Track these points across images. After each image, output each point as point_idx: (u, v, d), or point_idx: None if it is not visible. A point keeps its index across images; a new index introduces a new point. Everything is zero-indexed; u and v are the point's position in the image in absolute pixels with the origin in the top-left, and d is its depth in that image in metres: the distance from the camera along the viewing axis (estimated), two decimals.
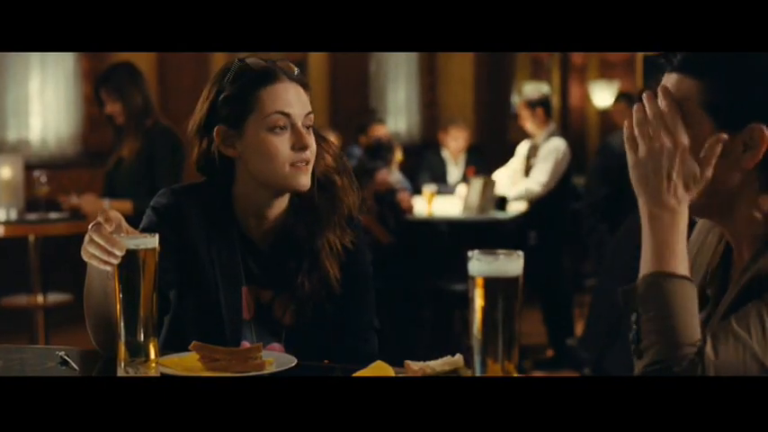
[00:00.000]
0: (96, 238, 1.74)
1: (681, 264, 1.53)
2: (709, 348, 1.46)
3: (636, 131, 1.57)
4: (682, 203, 1.55)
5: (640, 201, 1.55)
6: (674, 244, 1.53)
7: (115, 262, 1.74)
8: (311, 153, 2.08)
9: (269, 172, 2.07)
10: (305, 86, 2.11)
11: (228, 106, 2.07)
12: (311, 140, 2.08)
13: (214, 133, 2.08)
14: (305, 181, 2.08)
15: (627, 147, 1.57)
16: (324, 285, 2.11)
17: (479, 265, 1.39)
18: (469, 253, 1.40)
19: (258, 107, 2.05)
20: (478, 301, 1.37)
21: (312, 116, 2.10)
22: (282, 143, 2.05)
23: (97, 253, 1.75)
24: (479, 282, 1.38)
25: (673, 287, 1.51)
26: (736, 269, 1.69)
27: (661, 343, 1.47)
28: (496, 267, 1.39)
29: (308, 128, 2.08)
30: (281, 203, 2.13)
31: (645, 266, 1.54)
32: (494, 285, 1.38)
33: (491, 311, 1.38)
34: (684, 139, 1.54)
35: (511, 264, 1.40)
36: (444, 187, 7.27)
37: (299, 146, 2.06)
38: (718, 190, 1.60)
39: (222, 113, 2.07)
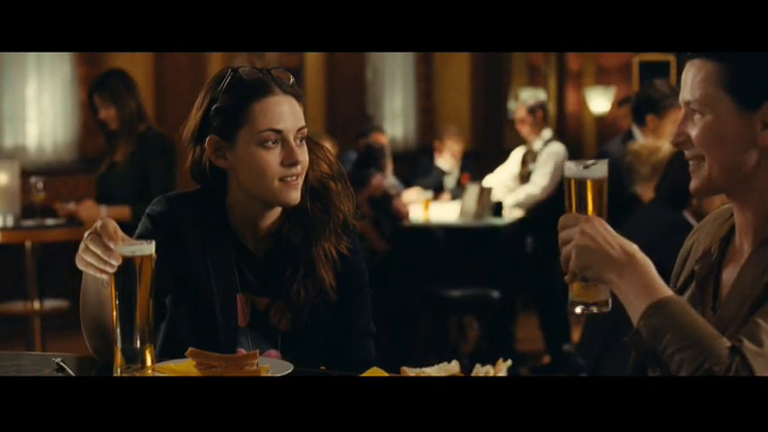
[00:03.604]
0: (93, 247, 1.75)
1: (663, 289, 1.56)
2: (747, 343, 1.49)
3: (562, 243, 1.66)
4: (628, 250, 1.58)
5: (605, 279, 1.59)
6: (649, 280, 1.57)
7: (111, 271, 1.74)
8: (302, 167, 2.07)
9: (258, 186, 2.07)
10: (298, 98, 2.09)
11: (220, 117, 2.06)
12: (303, 154, 2.07)
13: (206, 143, 2.08)
14: (294, 196, 2.07)
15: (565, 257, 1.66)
16: (319, 293, 2.11)
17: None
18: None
19: (250, 121, 2.04)
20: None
21: (305, 130, 2.09)
22: (273, 158, 2.05)
23: (93, 262, 1.75)
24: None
25: (669, 308, 1.54)
26: (733, 249, 1.72)
27: (687, 355, 1.50)
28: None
29: (300, 141, 2.08)
30: (274, 213, 2.13)
31: (636, 312, 1.56)
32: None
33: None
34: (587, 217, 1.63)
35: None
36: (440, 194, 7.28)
37: (290, 161, 2.05)
38: (734, 168, 1.65)
39: (214, 124, 2.07)
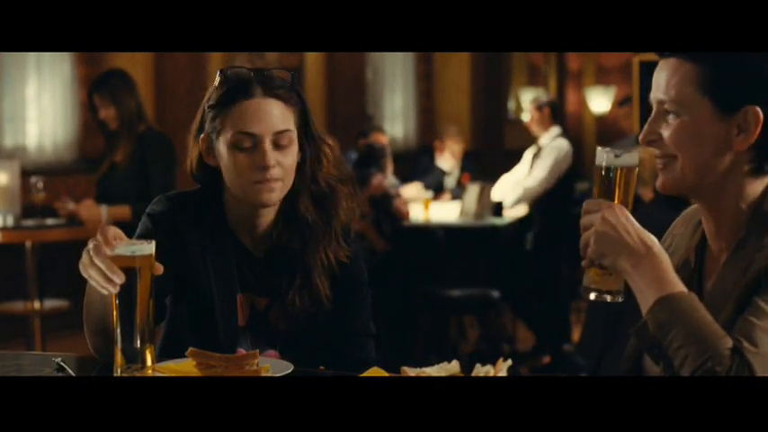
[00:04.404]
0: (98, 262, 1.74)
1: (676, 284, 1.57)
2: (746, 344, 1.50)
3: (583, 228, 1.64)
4: (647, 241, 1.59)
5: (620, 267, 1.59)
6: (662, 272, 1.57)
7: (114, 290, 1.73)
8: (279, 171, 2.05)
9: (235, 187, 2.08)
10: (286, 100, 2.07)
11: (209, 117, 2.08)
12: (281, 158, 2.05)
13: (200, 141, 2.10)
14: (267, 197, 2.06)
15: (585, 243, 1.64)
16: (314, 303, 2.10)
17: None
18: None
19: (229, 123, 2.05)
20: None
21: (289, 133, 2.06)
22: (246, 161, 2.04)
23: (97, 278, 1.74)
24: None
25: (678, 303, 1.54)
26: (711, 259, 1.72)
27: (691, 351, 1.51)
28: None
29: (280, 146, 2.05)
30: (268, 213, 2.12)
31: (645, 304, 1.57)
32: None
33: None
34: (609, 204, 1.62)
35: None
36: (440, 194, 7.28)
37: (261, 165, 2.03)
38: (707, 171, 1.65)
39: (206, 123, 2.09)
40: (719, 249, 1.71)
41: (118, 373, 1.75)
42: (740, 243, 1.65)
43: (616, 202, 1.64)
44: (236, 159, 2.05)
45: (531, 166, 6.51)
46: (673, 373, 1.52)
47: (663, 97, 1.66)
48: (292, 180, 2.10)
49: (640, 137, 1.70)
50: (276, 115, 2.06)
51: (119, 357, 1.75)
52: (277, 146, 2.05)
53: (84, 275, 1.79)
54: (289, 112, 2.08)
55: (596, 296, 1.65)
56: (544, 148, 6.43)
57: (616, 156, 1.64)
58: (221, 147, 2.07)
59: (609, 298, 1.64)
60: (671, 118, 1.65)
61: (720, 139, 1.63)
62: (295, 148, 2.09)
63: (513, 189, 6.49)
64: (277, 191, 2.07)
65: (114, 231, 1.78)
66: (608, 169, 1.65)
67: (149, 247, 1.76)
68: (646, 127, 1.69)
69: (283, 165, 2.06)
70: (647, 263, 1.57)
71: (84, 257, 1.77)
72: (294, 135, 2.08)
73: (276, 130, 2.05)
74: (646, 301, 1.57)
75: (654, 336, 1.54)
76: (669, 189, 1.70)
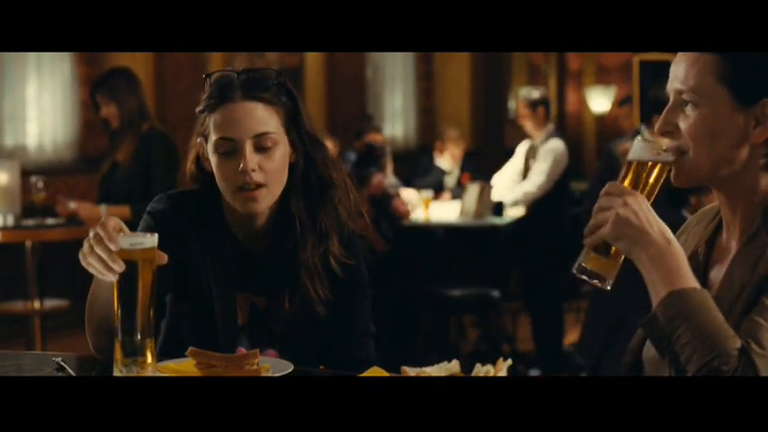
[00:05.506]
0: (99, 251, 1.74)
1: (689, 279, 1.56)
2: (753, 345, 1.49)
3: (598, 211, 1.61)
4: (667, 235, 1.58)
5: (635, 255, 1.58)
6: (678, 267, 1.56)
7: (113, 278, 1.74)
8: (261, 175, 2.04)
9: (225, 193, 2.08)
10: (268, 101, 2.06)
11: (199, 121, 2.09)
12: (265, 161, 2.04)
13: (197, 144, 2.12)
14: (252, 207, 2.05)
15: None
16: (306, 304, 2.09)
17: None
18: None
19: (212, 129, 2.06)
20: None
21: (271, 135, 2.04)
22: (229, 166, 2.04)
23: (96, 266, 1.75)
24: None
25: (689, 299, 1.53)
26: (720, 250, 1.72)
27: (698, 349, 1.50)
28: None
29: (262, 148, 2.04)
30: (263, 213, 2.12)
31: (657, 296, 1.56)
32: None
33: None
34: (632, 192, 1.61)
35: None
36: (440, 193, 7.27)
37: (241, 170, 2.02)
38: (722, 164, 1.64)
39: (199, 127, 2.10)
40: (729, 240, 1.71)
41: (118, 366, 1.74)
42: (751, 237, 1.65)
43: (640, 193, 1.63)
44: (219, 165, 2.05)
45: (527, 166, 6.49)
46: (678, 367, 1.51)
47: (681, 87, 1.64)
48: (282, 183, 2.09)
49: (656, 127, 1.69)
50: (257, 118, 2.04)
51: (118, 350, 1.75)
52: (260, 149, 2.04)
53: (84, 264, 1.79)
54: (272, 113, 2.06)
55: (588, 277, 1.63)
56: (539, 148, 6.39)
57: (653, 150, 1.63)
58: (210, 152, 2.07)
59: (599, 283, 1.63)
60: (688, 109, 1.64)
61: (738, 131, 1.62)
62: (282, 150, 2.07)
63: (511, 189, 6.47)
64: (261, 199, 2.05)
65: (115, 222, 1.78)
66: (639, 162, 1.64)
67: (151, 240, 1.76)
68: (662, 117, 1.67)
69: (267, 168, 2.04)
70: (664, 256, 1.56)
71: (85, 246, 1.77)
72: (278, 137, 2.07)
73: (256, 133, 2.04)
74: (657, 293, 1.55)
75: (662, 329, 1.53)
76: (683, 182, 1.69)
